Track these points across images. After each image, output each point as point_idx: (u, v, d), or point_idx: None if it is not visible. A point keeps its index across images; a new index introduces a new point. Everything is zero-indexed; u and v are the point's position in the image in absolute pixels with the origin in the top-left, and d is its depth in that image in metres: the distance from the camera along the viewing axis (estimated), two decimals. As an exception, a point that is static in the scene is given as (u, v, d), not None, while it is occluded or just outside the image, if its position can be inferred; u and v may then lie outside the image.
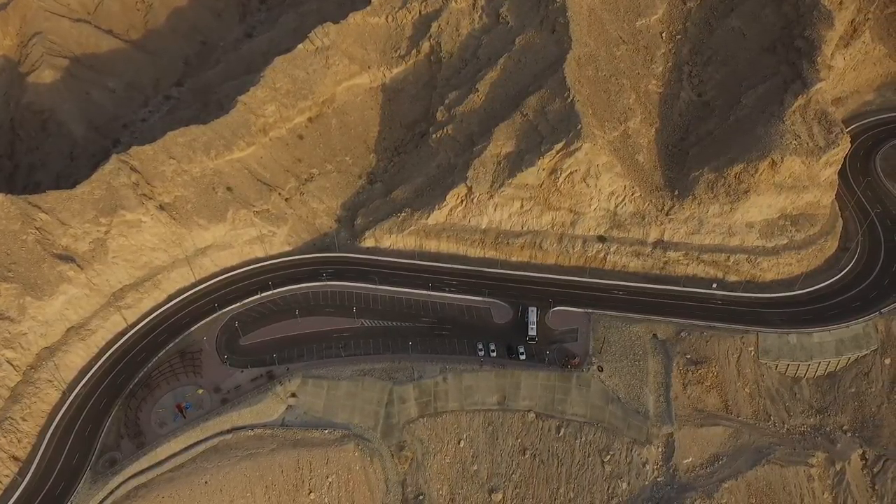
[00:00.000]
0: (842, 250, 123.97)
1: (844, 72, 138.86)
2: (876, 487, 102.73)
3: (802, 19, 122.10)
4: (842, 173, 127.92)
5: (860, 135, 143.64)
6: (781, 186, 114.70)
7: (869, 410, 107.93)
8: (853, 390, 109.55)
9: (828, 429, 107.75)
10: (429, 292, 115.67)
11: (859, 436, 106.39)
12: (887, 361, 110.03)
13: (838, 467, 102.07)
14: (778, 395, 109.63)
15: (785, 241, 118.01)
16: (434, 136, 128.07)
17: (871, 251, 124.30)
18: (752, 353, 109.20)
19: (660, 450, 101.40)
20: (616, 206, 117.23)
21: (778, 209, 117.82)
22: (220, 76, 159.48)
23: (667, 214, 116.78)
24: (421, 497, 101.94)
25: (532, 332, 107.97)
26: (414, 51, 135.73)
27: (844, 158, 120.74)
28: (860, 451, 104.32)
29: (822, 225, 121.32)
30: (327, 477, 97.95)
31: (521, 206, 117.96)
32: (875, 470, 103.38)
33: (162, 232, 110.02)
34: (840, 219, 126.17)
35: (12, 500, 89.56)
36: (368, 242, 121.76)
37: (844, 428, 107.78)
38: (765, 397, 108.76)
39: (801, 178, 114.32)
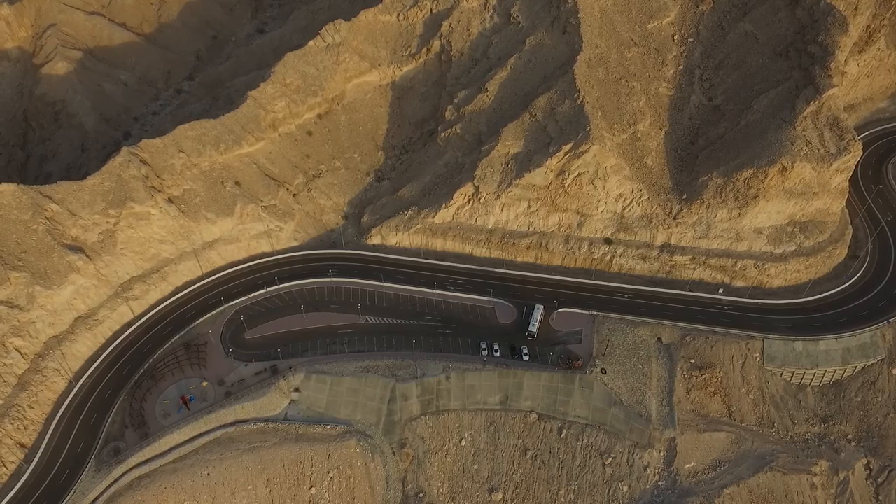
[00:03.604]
0: (851, 258, 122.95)
1: (858, 78, 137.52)
2: (880, 498, 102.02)
3: (816, 24, 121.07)
4: (853, 181, 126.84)
5: (872, 142, 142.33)
6: (791, 192, 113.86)
7: (874, 420, 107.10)
8: (859, 399, 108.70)
9: (832, 437, 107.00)
10: (433, 291, 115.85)
11: (864, 445, 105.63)
12: (894, 371, 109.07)
13: (842, 476, 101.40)
14: (782, 403, 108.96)
15: (793, 248, 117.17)
16: (442, 134, 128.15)
17: (881, 260, 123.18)
18: (758, 359, 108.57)
19: (661, 454, 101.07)
20: (623, 209, 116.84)
21: (787, 215, 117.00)
22: (231, 71, 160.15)
23: (674, 218, 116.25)
24: (421, 494, 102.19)
25: (532, 328, 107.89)
26: (424, 49, 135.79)
27: (856, 166, 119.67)
28: (864, 461, 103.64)
29: (832, 232, 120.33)
30: (328, 472, 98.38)
31: (528, 207, 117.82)
32: (879, 480, 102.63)
33: (170, 225, 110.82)
34: (850, 226, 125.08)
35: (18, 486, 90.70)
36: (374, 240, 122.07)
37: (849, 437, 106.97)
38: (769, 404, 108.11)
39: (811, 184, 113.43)
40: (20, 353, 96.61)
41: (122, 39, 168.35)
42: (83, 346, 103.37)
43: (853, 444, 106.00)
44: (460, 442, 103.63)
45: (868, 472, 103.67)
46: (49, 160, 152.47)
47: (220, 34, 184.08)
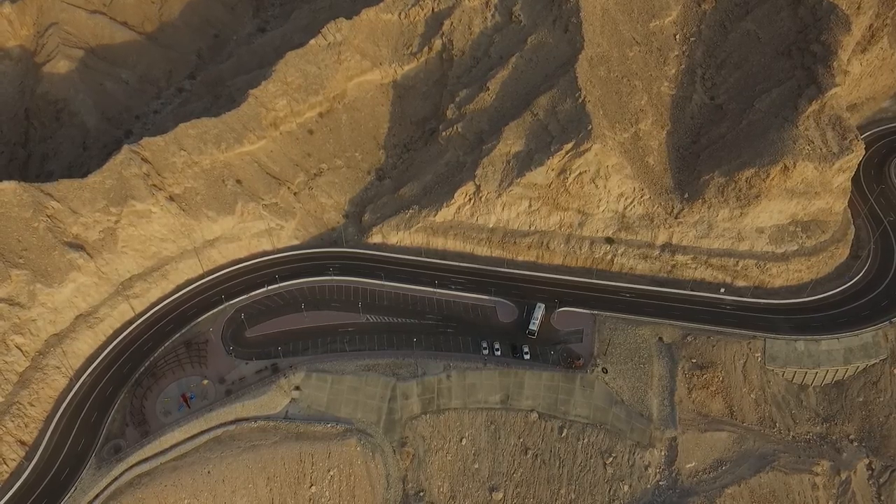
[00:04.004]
0: (853, 258, 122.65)
1: (860, 78, 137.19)
2: (882, 498, 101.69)
3: (819, 23, 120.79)
4: (855, 180, 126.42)
5: (875, 142, 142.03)
6: (793, 192, 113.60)
7: (876, 420, 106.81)
8: (861, 399, 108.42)
9: (834, 437, 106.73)
10: (434, 290, 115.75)
11: (866, 445, 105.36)
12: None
13: (843, 476, 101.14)
14: (784, 402, 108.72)
15: (795, 248, 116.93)
16: (443, 133, 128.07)
17: (884, 259, 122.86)
18: (759, 358, 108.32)
19: (662, 453, 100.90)
20: (625, 208, 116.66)
21: (789, 215, 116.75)
22: (232, 70, 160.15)
23: (676, 217, 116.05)
24: (421, 493, 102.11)
25: (533, 326, 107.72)
26: (425, 48, 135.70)
27: (858, 165, 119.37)
28: (866, 461, 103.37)
29: (834, 232, 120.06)
30: (329, 471, 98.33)
31: (529, 206, 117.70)
32: (881, 480, 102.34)
33: (171, 223, 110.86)
34: (852, 226, 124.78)
35: (18, 484, 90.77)
36: (375, 238, 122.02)
37: (851, 437, 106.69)
38: (770, 404, 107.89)
39: (813, 183, 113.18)
40: (21, 350, 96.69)
41: (123, 38, 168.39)
42: (84, 344, 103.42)
43: (855, 444, 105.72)
44: (461, 441, 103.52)
45: (870, 472, 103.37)
46: (50, 158, 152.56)
47: (222, 33, 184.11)
